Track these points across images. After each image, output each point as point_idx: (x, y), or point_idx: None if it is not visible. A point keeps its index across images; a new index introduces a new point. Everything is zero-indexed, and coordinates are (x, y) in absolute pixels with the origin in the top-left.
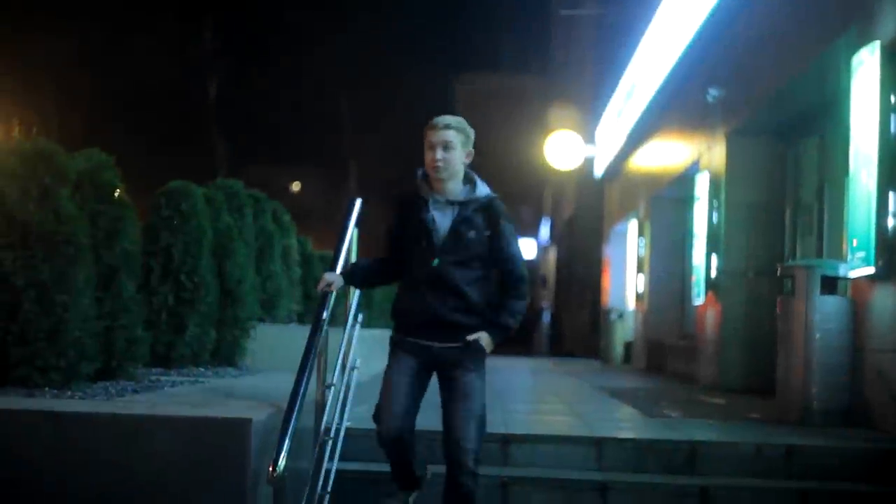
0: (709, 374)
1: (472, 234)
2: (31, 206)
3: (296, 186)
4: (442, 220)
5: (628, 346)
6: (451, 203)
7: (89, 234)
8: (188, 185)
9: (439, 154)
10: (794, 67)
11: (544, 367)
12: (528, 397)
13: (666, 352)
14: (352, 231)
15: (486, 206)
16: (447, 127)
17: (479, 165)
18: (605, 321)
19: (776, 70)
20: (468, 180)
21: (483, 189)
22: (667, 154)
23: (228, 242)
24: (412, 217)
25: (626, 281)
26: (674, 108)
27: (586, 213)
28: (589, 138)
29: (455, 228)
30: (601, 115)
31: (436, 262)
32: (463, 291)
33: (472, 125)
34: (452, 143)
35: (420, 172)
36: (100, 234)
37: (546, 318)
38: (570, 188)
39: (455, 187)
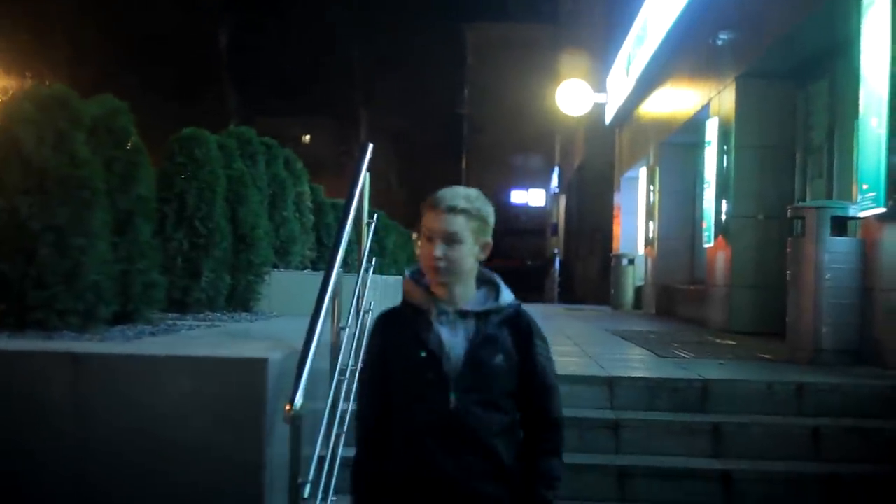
0: (719, 317)
1: (498, 359)
2: (46, 150)
3: (307, 137)
4: (453, 340)
5: (639, 292)
6: (464, 314)
7: (104, 179)
8: (201, 133)
9: (439, 251)
10: (803, 9)
11: (556, 312)
12: None
13: (676, 296)
14: (364, 175)
15: (514, 319)
16: (452, 211)
17: (491, 115)
18: (616, 267)
19: (786, 12)
20: (484, 280)
21: (507, 295)
22: (676, 99)
23: (241, 189)
24: (406, 340)
25: (637, 227)
26: (683, 52)
27: (596, 161)
28: (599, 86)
29: (475, 352)
30: (611, 62)
31: (452, 402)
32: (491, 446)
33: (486, 77)
34: (460, 236)
35: (411, 272)
36: (115, 180)
37: (557, 265)
38: (580, 136)
39: (465, 291)
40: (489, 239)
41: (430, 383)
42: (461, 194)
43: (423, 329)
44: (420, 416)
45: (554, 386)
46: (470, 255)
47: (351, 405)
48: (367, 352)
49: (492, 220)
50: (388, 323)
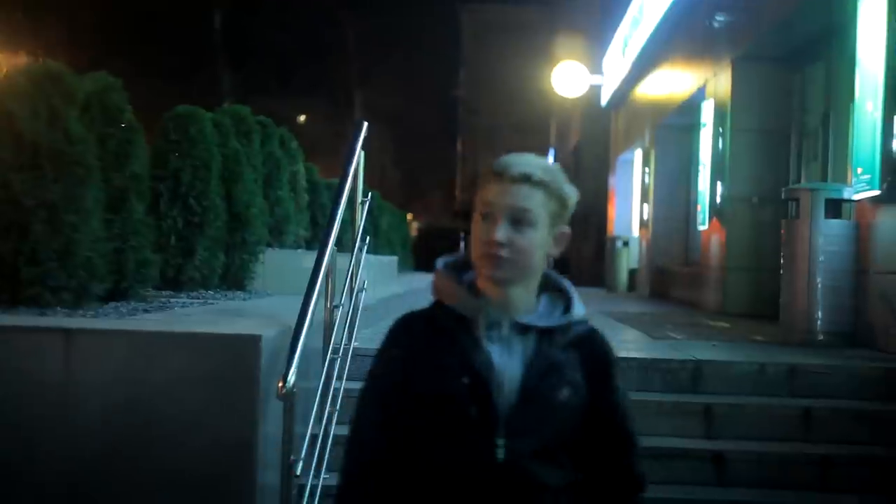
0: (713, 299)
1: (564, 393)
2: (39, 126)
3: (301, 118)
4: (506, 363)
5: (633, 274)
6: (524, 329)
7: (98, 156)
8: (196, 110)
9: (502, 233)
10: None
11: None
12: None
13: (671, 278)
14: (359, 153)
15: (586, 342)
16: (527, 181)
17: (487, 97)
18: (611, 249)
19: None
20: (549, 286)
21: (580, 307)
22: (672, 82)
23: (236, 167)
24: (441, 359)
25: (632, 209)
26: (679, 35)
27: (592, 143)
28: (595, 68)
29: (534, 382)
30: (608, 44)
31: (500, 450)
32: None
33: (481, 58)
34: (533, 216)
35: (445, 262)
36: (109, 157)
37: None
38: (576, 118)
39: (527, 297)
40: (567, 229)
41: (471, 423)
42: (537, 163)
43: (467, 345)
44: (453, 470)
45: (636, 436)
46: (542, 245)
47: (344, 383)
48: (379, 368)
49: (573, 203)
50: (415, 332)
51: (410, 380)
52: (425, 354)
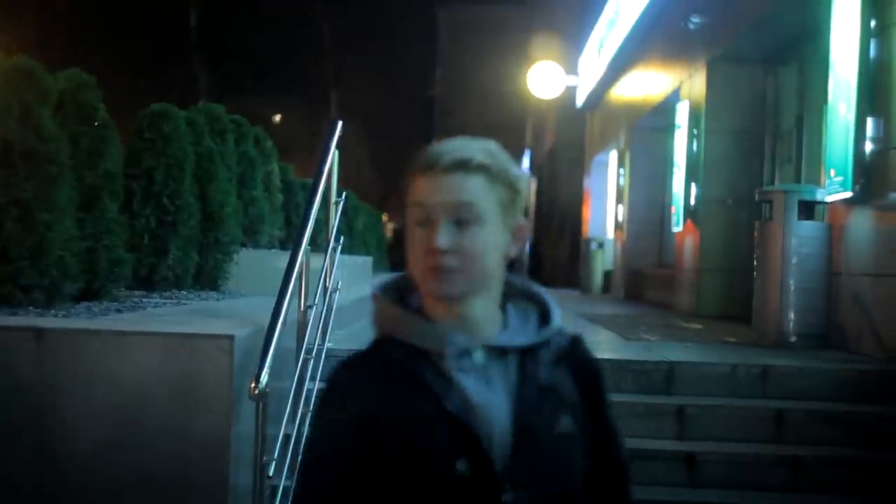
0: (687, 300)
1: (565, 422)
2: (11, 124)
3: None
4: (489, 396)
5: (608, 276)
6: (500, 352)
7: (71, 154)
8: (170, 108)
9: (444, 238)
10: None
11: None
12: None
13: (645, 280)
14: (333, 152)
15: (571, 354)
16: (463, 168)
17: (463, 97)
18: (585, 251)
19: None
20: (515, 292)
21: (558, 314)
22: (647, 83)
23: (210, 166)
24: (403, 410)
25: (607, 211)
26: (655, 36)
27: (567, 144)
28: (571, 68)
29: (528, 415)
30: (584, 44)
31: None
32: None
33: (458, 58)
34: (477, 210)
35: (382, 286)
36: (81, 155)
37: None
38: (552, 119)
39: (491, 311)
40: (524, 220)
41: (462, 483)
42: (472, 145)
43: (435, 385)
44: None
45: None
46: (496, 245)
47: (317, 384)
48: (322, 438)
49: (524, 187)
50: (363, 381)
51: (369, 446)
52: (384, 408)
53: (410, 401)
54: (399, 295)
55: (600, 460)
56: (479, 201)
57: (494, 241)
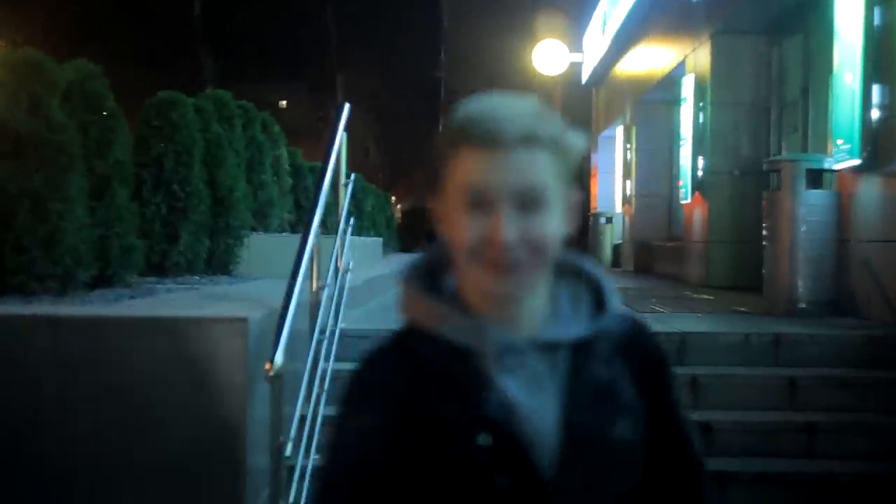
0: (696, 272)
1: (622, 427)
2: (21, 115)
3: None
4: (535, 399)
5: (617, 250)
6: (549, 346)
7: (81, 143)
8: (178, 96)
9: (510, 229)
10: None
11: None
12: None
13: (654, 253)
14: (341, 135)
15: (632, 342)
16: (529, 143)
17: (467, 78)
18: (594, 226)
19: None
20: (567, 270)
21: (615, 298)
22: (652, 57)
23: (219, 152)
24: (442, 412)
25: (615, 186)
26: (659, 10)
27: (574, 120)
28: (576, 45)
29: (579, 416)
30: (588, 21)
31: None
32: None
33: (462, 38)
34: (546, 196)
35: (412, 271)
36: (91, 144)
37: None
38: (558, 96)
39: (539, 301)
40: (577, 193)
41: (503, 499)
42: (532, 110)
43: (474, 387)
44: None
45: (704, 464)
46: (559, 228)
47: (332, 364)
48: (345, 444)
49: (579, 150)
50: (392, 381)
51: (397, 455)
52: (414, 412)
53: (444, 404)
54: (430, 279)
55: (670, 465)
56: (550, 183)
57: (559, 223)
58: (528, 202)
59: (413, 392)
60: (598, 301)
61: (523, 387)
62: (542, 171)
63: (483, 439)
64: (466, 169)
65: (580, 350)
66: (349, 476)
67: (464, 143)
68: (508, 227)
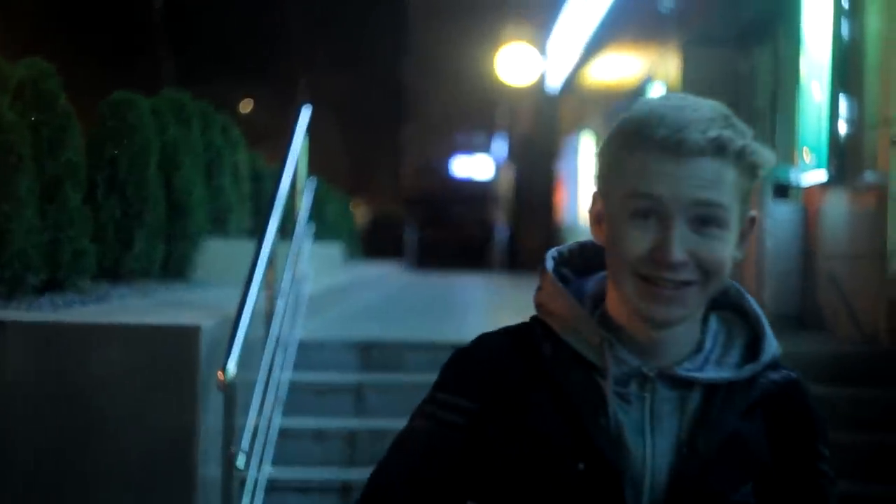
0: None
1: (744, 491)
2: None
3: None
4: (650, 437)
5: None
6: (681, 384)
7: (31, 143)
8: (133, 96)
9: (681, 248)
10: None
11: (500, 282)
12: (482, 309)
13: None
14: (301, 138)
15: (781, 399)
16: (719, 150)
17: (435, 83)
18: (560, 237)
19: None
20: (725, 303)
21: (773, 343)
22: (621, 66)
23: (175, 155)
24: (544, 424)
25: (579, 196)
26: (628, 18)
27: (543, 129)
28: (544, 53)
29: (696, 470)
30: (556, 29)
31: None
32: None
33: (429, 43)
34: (727, 211)
35: (555, 257)
36: (42, 144)
37: (502, 234)
38: (528, 104)
39: (687, 334)
40: (754, 213)
41: None
42: (717, 115)
43: (585, 406)
44: None
45: None
46: (733, 252)
47: (288, 374)
48: (435, 413)
49: (764, 160)
50: (501, 372)
51: (485, 451)
52: (515, 412)
53: (551, 416)
54: (572, 273)
55: None
56: (729, 200)
57: (733, 247)
58: (705, 219)
59: (519, 390)
60: (752, 344)
61: (640, 421)
62: (727, 187)
63: (580, 465)
64: (640, 174)
65: (715, 394)
66: (427, 446)
67: (641, 146)
68: (680, 244)
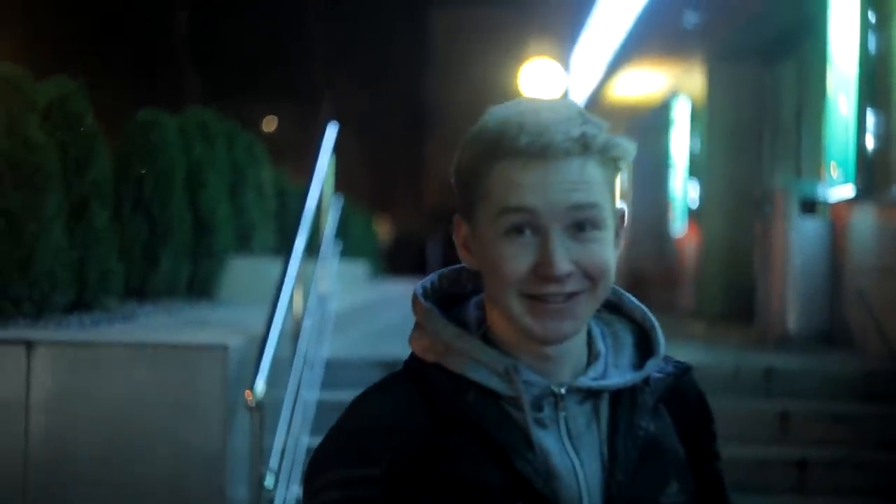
0: (688, 300)
1: (672, 491)
2: None
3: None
4: (575, 458)
5: None
6: (589, 395)
7: (59, 163)
8: (159, 115)
9: (564, 259)
10: None
11: None
12: None
13: (645, 280)
14: (327, 156)
15: (679, 390)
16: (584, 148)
17: (458, 101)
18: None
19: None
20: (605, 305)
21: (661, 337)
22: (645, 81)
23: (201, 174)
24: (467, 470)
25: None
26: (651, 34)
27: None
28: (568, 69)
29: (626, 480)
30: (579, 45)
31: None
32: None
33: (453, 60)
34: (602, 211)
35: (430, 287)
36: (70, 164)
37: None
38: None
39: (581, 343)
40: (623, 206)
41: None
42: (574, 114)
43: (508, 441)
44: None
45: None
46: (614, 258)
47: (316, 394)
48: (337, 501)
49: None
50: (399, 423)
51: None
52: (432, 467)
53: (470, 461)
54: (449, 303)
55: None
56: (603, 197)
57: (613, 247)
58: (583, 223)
59: (433, 437)
60: (643, 343)
61: (561, 443)
62: (598, 186)
63: (521, 492)
64: (507, 187)
65: (622, 400)
66: None
67: (502, 156)
68: (563, 255)
